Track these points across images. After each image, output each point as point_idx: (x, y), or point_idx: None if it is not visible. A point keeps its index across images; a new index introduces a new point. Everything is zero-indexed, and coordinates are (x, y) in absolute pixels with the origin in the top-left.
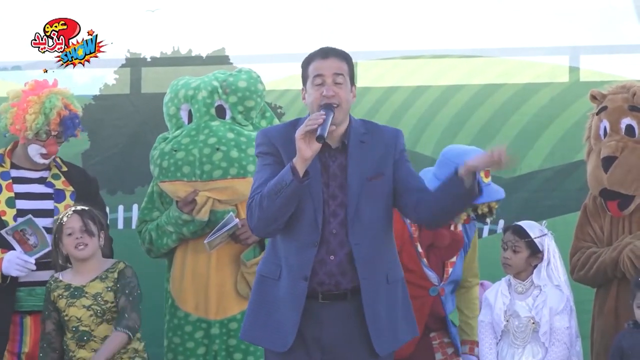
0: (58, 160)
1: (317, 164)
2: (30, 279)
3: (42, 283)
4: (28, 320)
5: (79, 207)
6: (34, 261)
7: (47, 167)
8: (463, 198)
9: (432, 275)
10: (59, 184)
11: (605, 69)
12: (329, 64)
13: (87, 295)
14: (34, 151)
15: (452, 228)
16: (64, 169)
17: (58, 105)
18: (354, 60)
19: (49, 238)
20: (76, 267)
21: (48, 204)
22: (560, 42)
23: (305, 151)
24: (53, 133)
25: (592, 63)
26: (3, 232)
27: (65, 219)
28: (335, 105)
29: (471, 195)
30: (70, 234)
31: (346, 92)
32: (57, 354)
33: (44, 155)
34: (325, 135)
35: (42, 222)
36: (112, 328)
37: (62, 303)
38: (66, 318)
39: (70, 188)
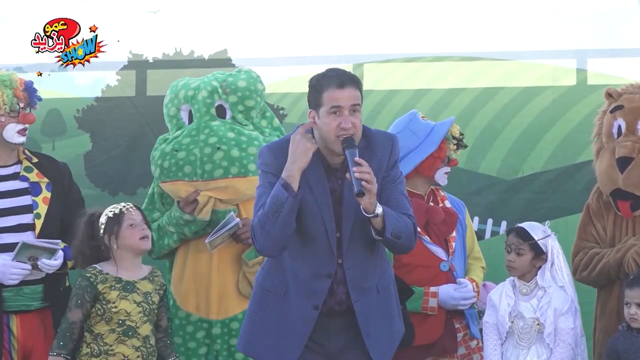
0: (27, 152)
1: (326, 190)
2: None
3: (29, 282)
4: (15, 320)
5: (132, 203)
6: (29, 266)
7: (18, 161)
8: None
9: (437, 250)
10: (33, 176)
11: (611, 71)
12: (347, 94)
13: (138, 291)
14: (11, 131)
15: (440, 204)
16: (35, 160)
17: (12, 77)
18: (355, 63)
19: (46, 242)
20: (123, 262)
21: (26, 200)
22: (568, 45)
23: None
24: (21, 105)
25: (599, 66)
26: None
27: (125, 211)
28: (353, 138)
29: (381, 230)
30: (132, 225)
31: (360, 120)
32: (73, 345)
33: (21, 131)
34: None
35: (20, 219)
36: (150, 327)
37: (113, 295)
38: (114, 310)
39: (45, 179)
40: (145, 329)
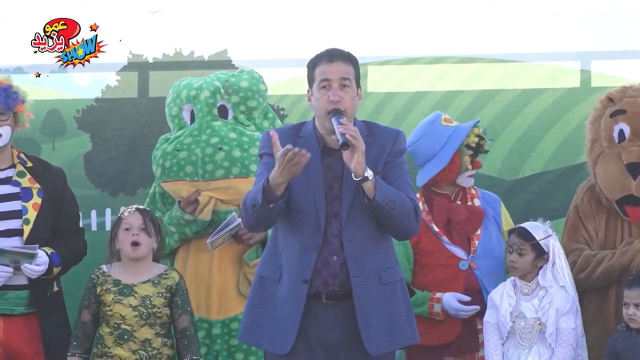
0: (22, 156)
1: (319, 167)
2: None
3: (14, 287)
4: None
5: (141, 207)
6: (11, 269)
7: (12, 165)
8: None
9: (457, 250)
10: (25, 182)
11: (615, 73)
12: (335, 68)
13: (135, 295)
14: None
15: (469, 202)
16: (29, 164)
17: None
18: None
19: (20, 248)
20: (126, 264)
21: (16, 205)
22: (570, 46)
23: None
24: None
25: (603, 67)
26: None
27: (125, 214)
28: (342, 110)
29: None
30: (127, 229)
31: (352, 96)
32: (90, 343)
33: None
34: (347, 142)
35: (8, 224)
36: (153, 331)
37: (108, 298)
38: (110, 313)
39: (37, 185)
40: (144, 333)
